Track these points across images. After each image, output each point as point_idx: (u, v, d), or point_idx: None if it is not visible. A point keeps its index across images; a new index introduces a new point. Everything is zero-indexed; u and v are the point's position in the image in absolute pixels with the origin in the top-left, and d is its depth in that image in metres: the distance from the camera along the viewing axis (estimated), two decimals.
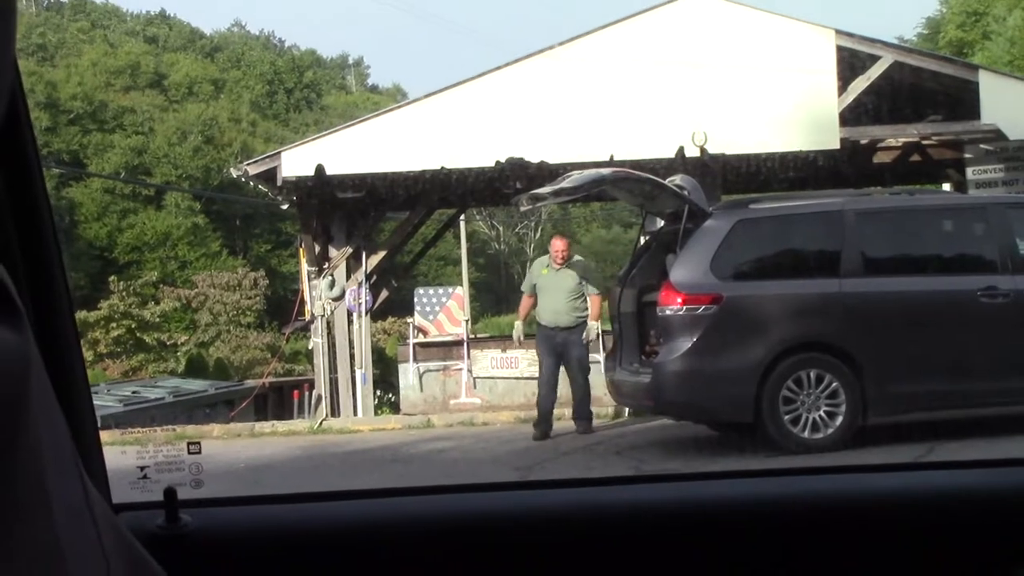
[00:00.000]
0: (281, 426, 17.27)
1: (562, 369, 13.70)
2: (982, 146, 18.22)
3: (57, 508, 1.00)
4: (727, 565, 2.18)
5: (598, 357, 14.52)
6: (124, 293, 35.82)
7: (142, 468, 2.20)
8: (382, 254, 19.81)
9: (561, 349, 13.67)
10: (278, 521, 2.20)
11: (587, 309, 13.77)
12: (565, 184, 12.68)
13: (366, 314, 19.30)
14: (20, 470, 0.91)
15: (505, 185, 17.86)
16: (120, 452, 2.30)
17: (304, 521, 2.19)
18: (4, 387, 0.84)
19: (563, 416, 13.64)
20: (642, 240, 14.35)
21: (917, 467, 3.69)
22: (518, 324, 15.05)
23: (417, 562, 2.14)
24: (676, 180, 12.67)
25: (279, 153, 18.56)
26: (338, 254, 19.22)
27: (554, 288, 13.75)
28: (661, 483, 2.53)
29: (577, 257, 14.54)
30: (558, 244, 14.08)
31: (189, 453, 2.22)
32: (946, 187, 21.11)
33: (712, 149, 17.36)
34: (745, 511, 2.22)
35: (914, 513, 2.20)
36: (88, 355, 31.64)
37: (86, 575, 1.01)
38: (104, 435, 2.02)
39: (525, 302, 14.46)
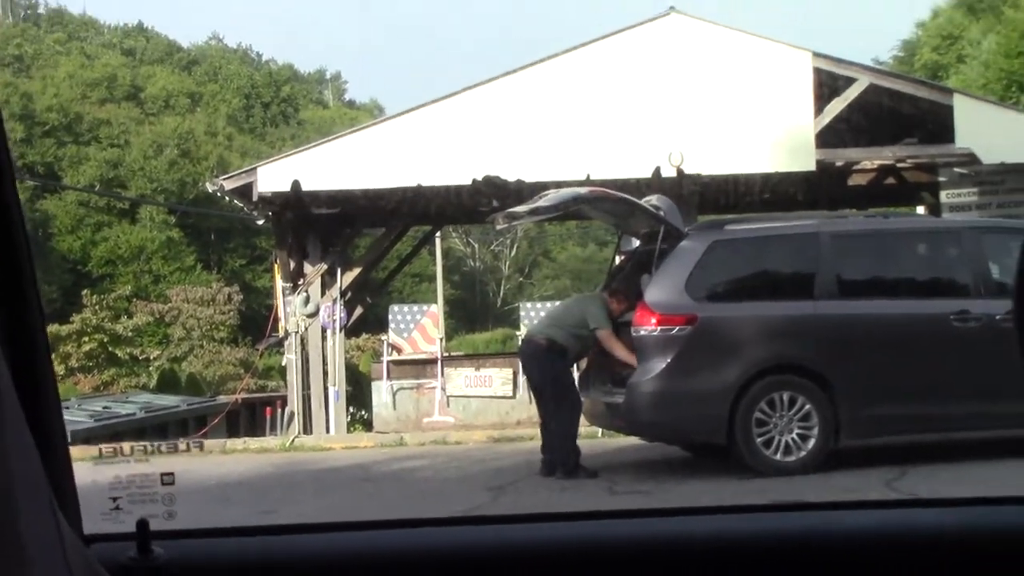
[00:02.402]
0: (253, 443, 17.18)
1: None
2: (956, 170, 18.33)
3: (29, 545, 0.98)
4: None
5: None
6: (97, 307, 35.67)
7: (115, 499, 2.17)
8: (357, 271, 19.79)
9: None
10: (251, 554, 2.18)
11: None
12: (541, 203, 12.66)
13: (340, 331, 19.26)
14: None
15: (481, 203, 17.86)
16: (91, 467, 2.28)
17: (277, 554, 2.17)
18: None
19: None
20: (618, 259, 14.35)
21: (896, 504, 3.68)
22: None
23: None
24: (652, 200, 12.67)
25: (255, 168, 18.54)
26: (313, 270, 19.18)
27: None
28: (633, 519, 2.51)
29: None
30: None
31: (163, 484, 2.21)
32: (920, 210, 21.20)
33: (689, 169, 17.40)
34: (719, 548, 2.22)
35: (890, 553, 2.20)
36: (59, 369, 31.49)
37: None
38: (74, 451, 2.00)
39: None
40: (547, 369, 12.36)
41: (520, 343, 12.96)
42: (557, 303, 13.06)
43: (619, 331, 12.60)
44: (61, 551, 1.10)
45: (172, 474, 2.20)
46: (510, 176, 17.24)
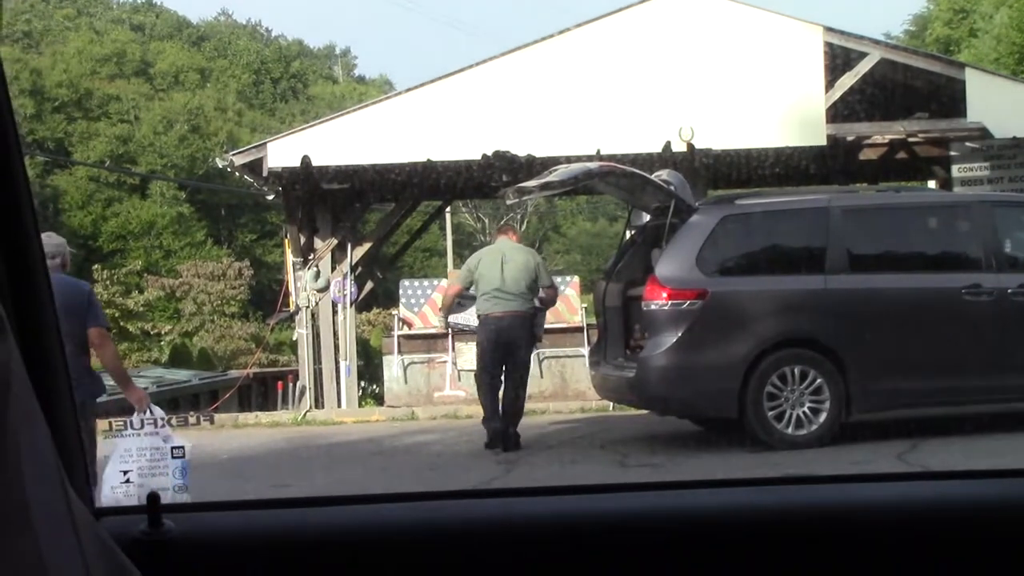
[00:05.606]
0: (265, 417, 17.23)
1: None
2: (968, 144, 18.27)
3: (38, 518, 0.98)
4: None
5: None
6: (108, 282, 35.68)
7: (125, 472, 2.18)
8: (367, 245, 19.81)
9: None
10: (261, 527, 2.17)
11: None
12: (552, 178, 12.65)
13: (351, 305, 19.29)
14: (1, 480, 0.90)
15: (492, 178, 17.82)
16: (101, 441, 2.29)
17: (287, 527, 2.17)
18: None
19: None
20: (628, 234, 14.33)
21: (908, 477, 3.67)
22: None
23: (401, 570, 2.12)
24: (663, 175, 12.66)
25: (265, 144, 18.54)
26: (323, 245, 19.20)
27: None
28: (645, 491, 2.50)
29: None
30: None
31: (173, 458, 2.21)
32: (932, 184, 21.15)
33: (699, 144, 17.36)
34: (731, 521, 2.21)
35: (903, 525, 2.19)
36: None
37: None
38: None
39: None
40: (528, 341, 12.68)
41: (496, 317, 12.54)
42: (505, 272, 12.43)
43: (629, 306, 12.65)
44: (71, 525, 1.10)
45: (183, 447, 2.20)
46: (520, 151, 17.21)
